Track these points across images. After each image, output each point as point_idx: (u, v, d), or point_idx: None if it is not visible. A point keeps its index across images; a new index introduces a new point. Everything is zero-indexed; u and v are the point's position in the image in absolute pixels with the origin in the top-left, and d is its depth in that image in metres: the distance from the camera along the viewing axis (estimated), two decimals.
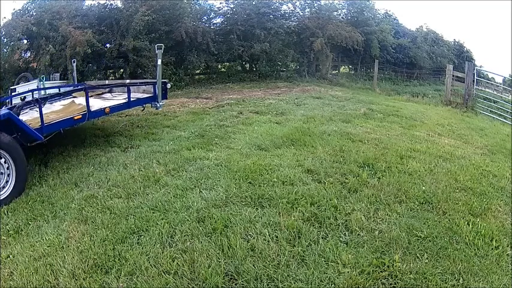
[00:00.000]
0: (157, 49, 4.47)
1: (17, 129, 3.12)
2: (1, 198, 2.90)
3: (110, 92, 5.22)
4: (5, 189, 2.96)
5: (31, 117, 3.71)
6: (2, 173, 2.96)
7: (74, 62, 6.91)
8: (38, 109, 3.43)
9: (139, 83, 5.27)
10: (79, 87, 5.12)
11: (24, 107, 3.89)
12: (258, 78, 12.20)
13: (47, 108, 4.18)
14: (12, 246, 2.25)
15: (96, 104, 4.27)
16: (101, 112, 4.08)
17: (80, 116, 3.78)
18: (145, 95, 4.76)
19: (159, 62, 4.52)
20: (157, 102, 4.64)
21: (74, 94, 5.03)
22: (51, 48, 8.96)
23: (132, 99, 4.44)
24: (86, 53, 9.07)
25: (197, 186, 2.87)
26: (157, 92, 4.62)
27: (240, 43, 11.71)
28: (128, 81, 5.87)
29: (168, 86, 4.99)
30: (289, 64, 13.30)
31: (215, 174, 3.09)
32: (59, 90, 5.15)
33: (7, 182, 2.99)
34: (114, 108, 4.27)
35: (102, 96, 5.10)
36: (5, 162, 2.98)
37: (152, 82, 4.86)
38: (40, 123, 3.36)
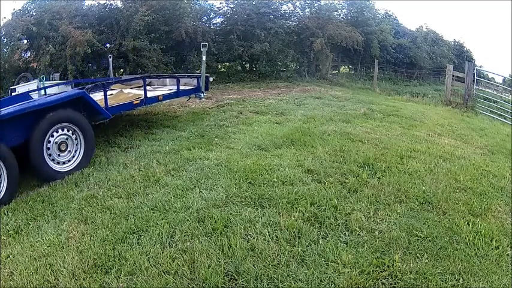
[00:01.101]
0: (202, 47, 5.13)
1: (86, 108, 3.64)
2: (73, 166, 3.47)
3: (148, 84, 5.60)
4: (75, 158, 3.53)
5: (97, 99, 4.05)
6: (71, 147, 3.49)
7: (110, 57, 7.08)
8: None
9: (187, 76, 5.90)
10: (139, 77, 5.74)
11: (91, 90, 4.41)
12: (258, 78, 12.20)
13: (96, 96, 4.37)
14: (12, 246, 2.25)
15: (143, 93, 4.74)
16: (155, 99, 4.65)
17: (139, 101, 4.41)
18: (187, 87, 5.28)
19: (204, 58, 5.18)
20: (201, 93, 5.22)
21: (112, 86, 5.49)
22: (51, 48, 8.96)
23: (181, 89, 5.02)
24: (86, 53, 9.07)
25: (197, 186, 2.87)
26: (201, 84, 5.18)
27: (240, 43, 11.71)
28: (177, 74, 6.65)
29: (211, 79, 5.68)
30: (289, 64, 13.29)
31: (215, 174, 3.09)
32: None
33: (78, 150, 3.55)
34: (166, 96, 4.85)
35: (141, 88, 5.53)
36: (73, 134, 3.51)
37: (197, 76, 5.46)
38: (104, 105, 3.89)
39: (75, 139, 3.54)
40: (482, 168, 3.54)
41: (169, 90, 5.08)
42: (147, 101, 4.47)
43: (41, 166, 3.23)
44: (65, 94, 3.73)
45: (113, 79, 5.76)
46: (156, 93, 4.82)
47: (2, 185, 2.94)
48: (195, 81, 5.31)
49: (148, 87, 5.28)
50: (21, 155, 3.11)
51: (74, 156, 3.52)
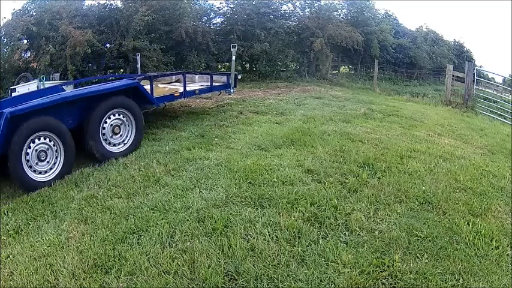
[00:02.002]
0: (232, 48, 5.70)
1: (138, 96, 4.13)
2: (124, 148, 3.90)
3: (177, 81, 6.12)
4: (123, 141, 3.95)
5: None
6: (124, 130, 3.95)
7: (138, 55, 7.45)
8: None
9: (219, 73, 6.48)
10: (179, 72, 6.38)
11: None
12: (258, 78, 12.18)
13: None
14: (12, 246, 2.25)
15: (180, 88, 5.22)
16: (193, 92, 5.21)
17: (179, 94, 4.90)
18: (219, 83, 5.73)
19: (234, 58, 5.77)
20: (230, 89, 5.69)
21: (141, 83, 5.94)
22: (51, 48, 8.95)
23: (213, 85, 5.56)
24: (86, 53, 9.07)
25: (197, 186, 2.87)
26: (230, 81, 5.64)
27: (240, 43, 11.69)
28: (210, 71, 7.32)
29: (239, 77, 6.29)
30: (289, 64, 13.28)
31: (215, 174, 3.09)
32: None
33: (129, 134, 3.99)
34: (201, 91, 5.46)
35: (172, 84, 6.05)
36: (125, 118, 3.94)
37: (227, 73, 5.99)
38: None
39: (127, 124, 3.98)
40: (482, 168, 3.54)
41: (201, 85, 5.58)
42: (186, 94, 4.97)
43: (96, 146, 3.63)
44: (121, 83, 4.30)
45: (158, 74, 6.20)
46: (193, 88, 5.31)
47: (59, 161, 3.36)
48: (224, 78, 5.79)
49: (176, 83, 5.95)
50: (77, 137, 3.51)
51: (125, 139, 3.95)
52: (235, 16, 11.91)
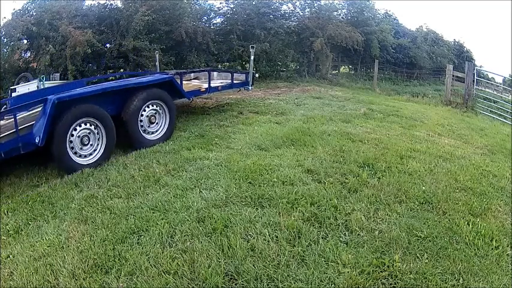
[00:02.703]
0: (251, 48, 6.06)
1: (172, 90, 4.47)
2: (159, 136, 4.22)
3: (195, 78, 6.50)
4: (158, 130, 4.26)
5: None
6: (158, 120, 4.26)
7: (156, 53, 7.73)
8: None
9: (239, 71, 6.94)
10: (204, 69, 6.84)
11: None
12: (258, 78, 12.18)
13: None
14: (12, 246, 2.25)
15: (202, 84, 5.66)
16: (216, 89, 5.55)
17: (204, 89, 5.27)
18: (238, 81, 6.07)
19: (252, 57, 6.11)
20: (249, 86, 6.07)
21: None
22: (51, 48, 8.96)
23: (234, 82, 5.95)
24: (86, 53, 9.07)
25: (197, 186, 2.87)
26: (249, 79, 6.00)
27: (240, 43, 11.71)
28: (231, 70, 7.85)
29: (256, 75, 6.75)
30: (289, 64, 13.28)
31: (215, 174, 3.09)
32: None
33: (163, 123, 4.30)
34: (223, 87, 5.77)
35: (192, 81, 6.36)
36: (155, 111, 4.24)
37: (245, 72, 6.38)
38: None
39: (162, 114, 4.30)
40: (482, 168, 3.54)
41: (221, 82, 5.91)
42: (210, 90, 5.36)
43: (135, 135, 3.95)
44: (158, 76, 4.71)
45: (186, 71, 6.68)
46: (216, 84, 5.69)
47: (101, 145, 3.60)
48: (243, 76, 6.15)
49: (195, 81, 6.34)
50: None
51: (160, 128, 4.27)
52: (235, 16, 11.91)
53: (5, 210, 2.73)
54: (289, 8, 13.22)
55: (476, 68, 9.68)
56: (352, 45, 12.82)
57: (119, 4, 10.41)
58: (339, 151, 3.70)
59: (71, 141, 3.39)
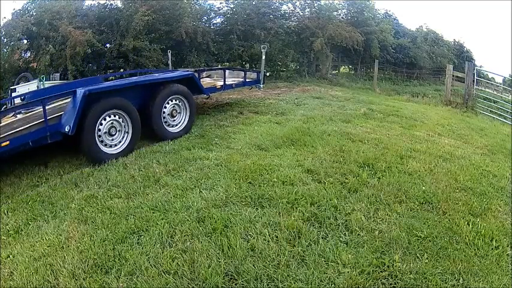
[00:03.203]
0: (262, 49, 6.26)
1: (192, 85, 4.71)
2: (180, 129, 4.47)
3: (207, 76, 6.68)
4: (179, 124, 4.50)
5: None
6: (180, 113, 4.52)
7: (169, 52, 7.94)
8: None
9: (251, 70, 7.04)
10: (221, 68, 7.16)
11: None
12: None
13: None
14: (12, 246, 2.25)
15: (214, 82, 5.89)
16: (230, 86, 5.81)
17: (220, 86, 5.50)
18: (250, 79, 6.35)
19: (263, 57, 6.34)
20: (260, 84, 6.36)
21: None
22: (51, 48, 8.96)
23: (246, 80, 6.23)
24: (86, 53, 9.07)
25: (197, 186, 2.87)
26: (260, 77, 6.31)
27: (240, 43, 11.71)
28: (244, 68, 8.11)
29: (267, 74, 7.52)
30: (289, 64, 13.30)
31: (215, 174, 3.09)
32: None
33: (184, 117, 4.55)
34: (237, 85, 6.07)
35: (203, 79, 6.45)
36: (177, 105, 4.48)
37: (257, 71, 6.61)
38: None
39: (183, 108, 4.55)
40: (482, 168, 3.54)
41: (233, 81, 6.12)
42: (225, 87, 5.61)
43: (158, 127, 4.19)
44: (180, 73, 5.06)
45: (204, 68, 7.11)
46: (231, 82, 5.93)
47: (127, 136, 3.83)
48: (254, 75, 6.42)
49: (207, 79, 6.54)
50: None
51: (181, 121, 4.53)
52: (235, 16, 11.91)
53: (5, 210, 2.73)
54: (289, 8, 13.25)
55: (476, 68, 9.67)
56: (352, 45, 12.83)
57: (119, 4, 10.42)
58: (339, 151, 3.70)
59: (99, 132, 3.59)
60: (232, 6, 12.26)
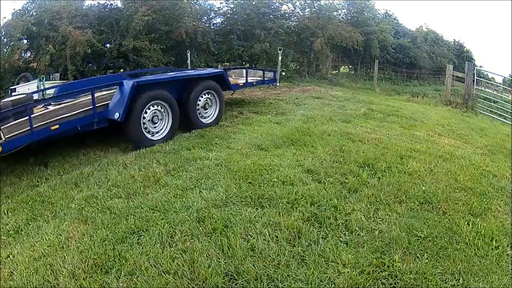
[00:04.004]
0: (279, 50, 7.35)
1: (222, 82, 5.24)
2: (211, 120, 4.98)
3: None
4: (211, 115, 5.03)
5: None
6: (211, 106, 5.03)
7: (188, 52, 8.47)
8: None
9: (268, 70, 7.52)
10: (244, 67, 7.95)
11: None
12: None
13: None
14: (12, 246, 2.25)
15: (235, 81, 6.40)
16: (251, 83, 6.41)
17: (242, 84, 6.11)
18: (268, 78, 6.85)
19: (280, 58, 7.42)
20: (277, 83, 7.14)
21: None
22: (51, 48, 8.96)
23: (265, 78, 6.77)
24: (86, 53, 9.07)
25: (197, 186, 2.87)
26: (277, 77, 7.01)
27: (240, 43, 11.72)
28: (263, 68, 8.53)
29: (283, 74, 8.20)
30: (289, 64, 13.29)
31: (215, 174, 3.09)
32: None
33: (215, 109, 5.07)
34: (257, 82, 6.66)
35: None
36: (209, 99, 5.00)
37: (274, 70, 7.26)
38: None
39: (214, 102, 5.05)
40: (482, 168, 3.54)
41: (252, 79, 6.60)
42: (247, 84, 6.22)
43: (193, 118, 4.69)
44: (212, 70, 5.73)
45: (230, 67, 7.92)
46: (251, 80, 6.45)
47: (167, 125, 4.26)
48: (271, 74, 6.98)
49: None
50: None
51: (212, 113, 5.03)
52: (235, 16, 11.91)
53: (5, 210, 2.73)
54: (289, 8, 13.25)
55: (476, 68, 9.68)
56: (352, 45, 12.83)
57: (119, 4, 10.43)
58: (339, 151, 3.70)
59: (144, 120, 4.03)
60: (232, 6, 12.27)
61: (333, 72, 15.61)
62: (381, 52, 15.58)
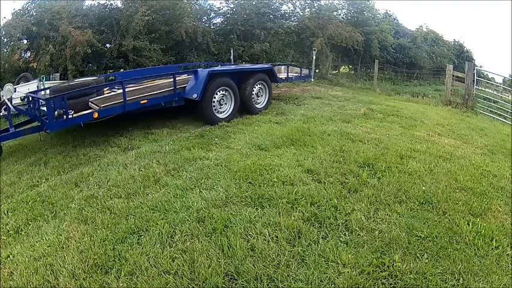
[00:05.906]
0: (313, 51, 8.48)
1: (271, 75, 6.22)
2: (262, 106, 5.98)
3: None
4: (262, 102, 6.06)
5: None
6: (262, 95, 6.06)
7: (231, 49, 9.57)
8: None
9: (304, 67, 8.60)
10: (284, 64, 8.39)
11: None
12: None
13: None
14: (12, 246, 2.25)
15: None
16: (291, 78, 7.45)
17: (284, 78, 7.15)
18: (303, 74, 7.95)
19: (314, 57, 8.46)
20: (311, 78, 8.35)
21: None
22: (51, 48, 8.96)
23: (302, 74, 7.92)
24: (86, 53, 9.08)
25: (197, 186, 2.87)
26: (311, 74, 8.23)
27: (240, 43, 11.73)
28: (299, 65, 9.62)
29: (316, 71, 9.13)
30: None
31: (215, 174, 3.09)
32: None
33: (265, 97, 6.13)
34: (296, 78, 7.79)
35: None
36: (261, 88, 6.02)
37: (309, 67, 8.49)
38: None
39: (264, 91, 6.10)
40: (482, 168, 3.54)
41: (292, 75, 7.50)
42: (288, 79, 7.28)
43: (249, 104, 5.65)
44: (264, 65, 6.85)
45: (276, 64, 8.40)
46: (291, 75, 7.41)
47: (231, 106, 5.32)
48: (306, 71, 8.11)
49: None
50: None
51: (263, 100, 6.08)
52: (235, 16, 11.92)
53: (5, 210, 2.74)
54: (289, 8, 13.27)
55: (476, 68, 9.66)
56: (352, 45, 12.84)
57: (119, 4, 10.43)
58: (339, 151, 3.70)
59: (214, 101, 5.06)
60: (232, 6, 12.27)
61: (333, 72, 15.61)
62: (381, 52, 15.59)
